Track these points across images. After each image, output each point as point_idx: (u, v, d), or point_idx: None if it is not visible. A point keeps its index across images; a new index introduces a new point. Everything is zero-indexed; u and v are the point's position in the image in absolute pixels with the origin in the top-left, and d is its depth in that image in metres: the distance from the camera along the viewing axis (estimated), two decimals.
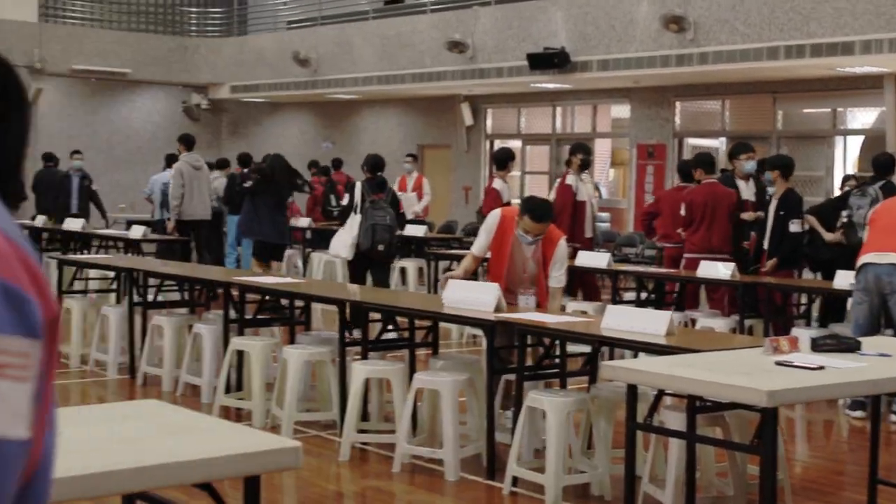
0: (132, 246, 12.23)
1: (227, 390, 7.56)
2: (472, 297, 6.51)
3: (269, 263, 12.40)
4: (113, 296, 10.23)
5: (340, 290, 8.27)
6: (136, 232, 12.10)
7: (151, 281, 8.91)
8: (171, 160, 16.76)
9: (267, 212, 12.12)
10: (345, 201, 11.80)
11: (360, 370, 6.51)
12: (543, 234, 6.66)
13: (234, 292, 7.90)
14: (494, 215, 6.96)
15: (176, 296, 9.79)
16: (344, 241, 9.87)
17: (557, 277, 6.84)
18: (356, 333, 7.03)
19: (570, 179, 10.87)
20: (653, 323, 5.60)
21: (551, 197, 10.76)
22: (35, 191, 15.85)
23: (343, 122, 23.13)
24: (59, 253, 12.95)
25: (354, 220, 9.83)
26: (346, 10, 21.37)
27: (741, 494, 5.42)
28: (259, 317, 7.98)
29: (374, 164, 10.49)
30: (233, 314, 7.88)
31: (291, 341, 7.79)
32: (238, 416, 7.47)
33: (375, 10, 20.79)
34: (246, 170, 14.64)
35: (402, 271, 13.77)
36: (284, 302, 8.19)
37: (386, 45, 19.34)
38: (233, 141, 24.78)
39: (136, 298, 8.80)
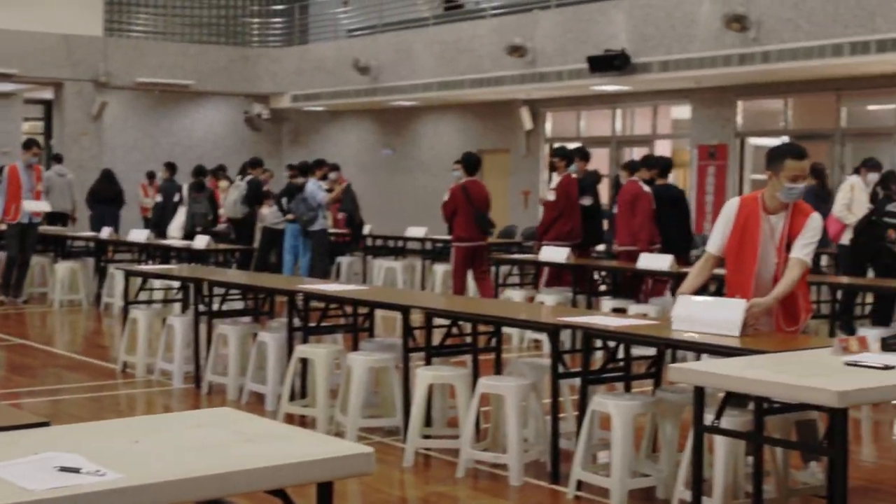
0: (196, 256, 12.33)
1: (292, 398, 7.60)
2: (710, 317, 5.55)
3: None
4: (178, 306, 10.34)
5: (403, 296, 8.29)
6: (200, 242, 12.21)
7: (216, 290, 8.98)
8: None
9: None
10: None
11: (424, 376, 6.52)
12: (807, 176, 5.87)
13: (298, 300, 7.94)
14: (731, 201, 6.02)
15: (240, 304, 9.85)
16: None
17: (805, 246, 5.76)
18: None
19: (644, 186, 11.32)
20: (727, 312, 5.48)
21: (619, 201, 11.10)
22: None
23: (402, 128, 23.20)
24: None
25: None
26: (405, 16, 21.44)
27: (783, 498, 5.35)
28: (323, 324, 8.01)
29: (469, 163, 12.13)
30: (297, 322, 7.92)
31: (355, 348, 7.82)
32: (302, 422, 7.50)
33: (435, 16, 20.84)
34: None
35: None
36: (348, 309, 8.20)
37: (445, 50, 19.37)
38: (293, 150, 24.95)
39: (201, 308, 8.88)
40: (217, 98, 24.26)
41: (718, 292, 8.20)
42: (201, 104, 24.44)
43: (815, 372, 4.33)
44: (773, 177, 5.73)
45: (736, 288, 5.81)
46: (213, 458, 2.89)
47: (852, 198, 11.79)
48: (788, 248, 5.71)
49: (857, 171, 12.44)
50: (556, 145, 15.70)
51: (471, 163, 12.02)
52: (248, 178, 16.22)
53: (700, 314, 5.61)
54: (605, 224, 13.56)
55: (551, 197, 12.05)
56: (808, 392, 4.09)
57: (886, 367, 4.41)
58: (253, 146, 24.44)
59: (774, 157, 5.76)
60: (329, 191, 14.79)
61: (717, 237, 5.92)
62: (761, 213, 5.76)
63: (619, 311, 9.63)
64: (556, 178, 12.20)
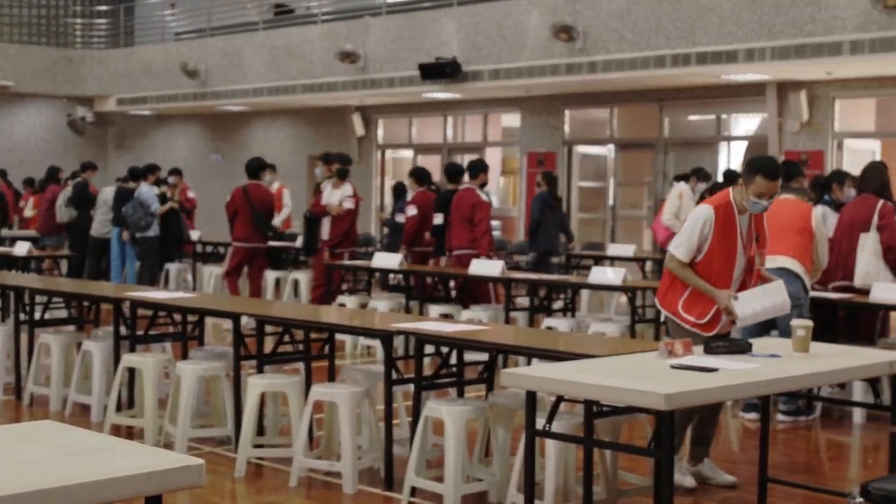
0: (16, 263, 11.91)
1: (119, 408, 7.40)
2: (769, 304, 5.91)
3: None
4: None
5: (233, 303, 8.17)
6: (21, 248, 11.79)
7: (38, 298, 8.67)
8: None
9: None
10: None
11: (256, 384, 6.43)
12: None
13: (125, 308, 7.73)
14: (705, 208, 5.99)
15: (64, 313, 9.54)
16: None
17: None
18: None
19: (481, 193, 11.40)
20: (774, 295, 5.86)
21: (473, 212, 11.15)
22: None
23: (232, 134, 22.89)
24: None
25: None
26: (235, 20, 21.16)
27: (612, 499, 5.48)
28: (151, 333, 7.82)
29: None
30: (123, 330, 7.71)
31: (184, 357, 7.66)
32: (130, 434, 7.31)
33: (265, 20, 20.63)
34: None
35: (296, 283, 13.67)
36: (177, 317, 8.02)
37: (276, 55, 19.20)
38: (119, 154, 24.36)
39: (21, 317, 8.57)
40: (39, 100, 23.50)
41: None
42: (22, 106, 23.63)
43: (642, 375, 4.43)
44: (743, 185, 5.92)
45: (719, 285, 5.93)
46: (33, 475, 2.77)
47: (681, 205, 12.14)
48: (755, 241, 6.02)
49: (680, 179, 12.83)
50: (389, 152, 15.66)
51: (252, 168, 12.60)
52: (76, 180, 15.83)
53: (758, 306, 5.87)
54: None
55: (412, 211, 12.14)
56: (636, 395, 4.18)
57: (710, 370, 4.54)
58: (77, 150, 23.77)
59: (749, 170, 5.94)
60: (163, 195, 14.55)
61: (691, 246, 5.98)
62: (736, 215, 5.97)
63: (448, 317, 9.69)
64: (411, 193, 12.38)
